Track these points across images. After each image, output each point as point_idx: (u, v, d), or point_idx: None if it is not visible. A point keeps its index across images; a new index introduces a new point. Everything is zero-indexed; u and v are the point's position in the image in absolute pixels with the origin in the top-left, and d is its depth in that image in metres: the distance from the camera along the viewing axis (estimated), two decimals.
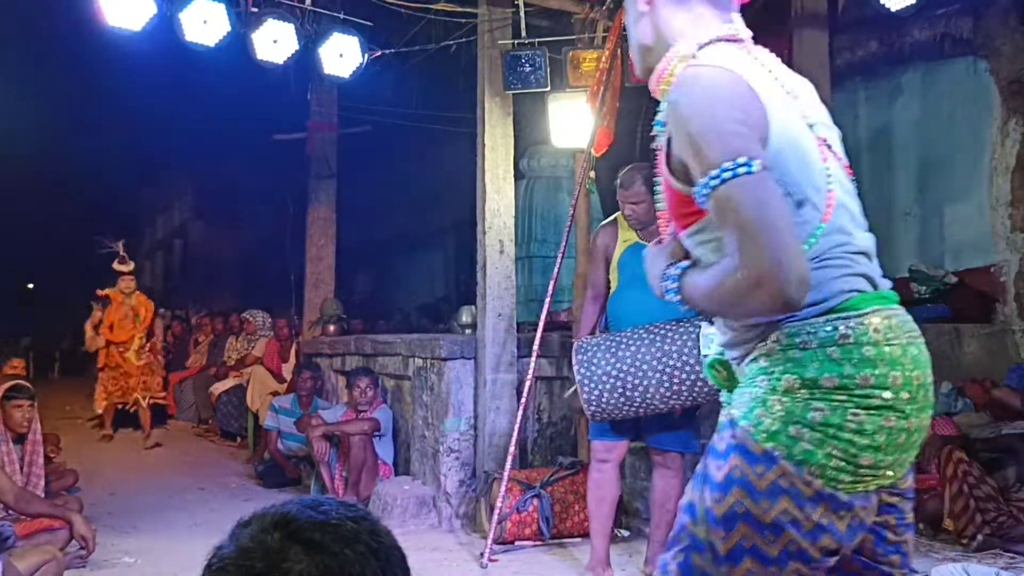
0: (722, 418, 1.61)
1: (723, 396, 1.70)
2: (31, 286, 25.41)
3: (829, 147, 1.60)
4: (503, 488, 4.44)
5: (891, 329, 1.50)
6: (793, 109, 1.56)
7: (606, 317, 4.04)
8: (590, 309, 4.06)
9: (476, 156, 5.24)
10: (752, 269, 1.39)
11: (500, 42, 5.14)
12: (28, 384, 4.71)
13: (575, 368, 3.70)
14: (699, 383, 3.51)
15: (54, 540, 3.91)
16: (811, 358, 1.48)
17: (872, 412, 1.46)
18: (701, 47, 1.60)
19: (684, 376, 3.56)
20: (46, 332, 18.57)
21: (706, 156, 1.44)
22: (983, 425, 4.97)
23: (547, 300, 4.68)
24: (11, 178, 13.99)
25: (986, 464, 4.50)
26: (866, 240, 1.60)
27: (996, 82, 6.17)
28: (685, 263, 1.63)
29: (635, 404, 3.62)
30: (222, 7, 5.04)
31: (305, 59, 5.51)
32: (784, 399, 1.48)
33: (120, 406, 8.67)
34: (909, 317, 1.57)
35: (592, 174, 4.82)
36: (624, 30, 2.53)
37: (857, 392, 1.46)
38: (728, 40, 1.62)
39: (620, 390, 3.59)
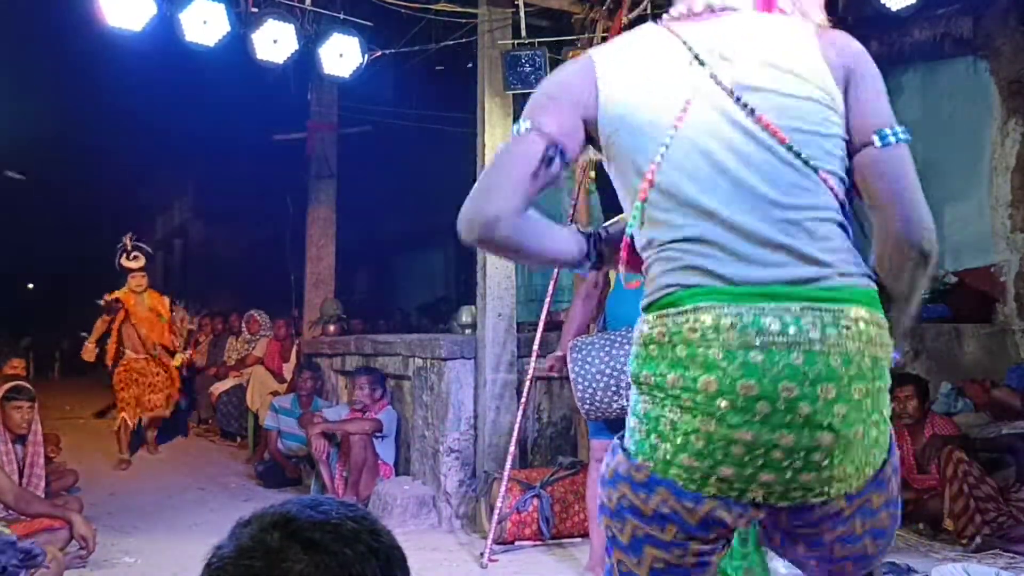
0: None
1: None
2: (31, 286, 25.39)
3: (752, 112, 1.45)
4: (503, 488, 4.44)
5: (718, 330, 1.37)
6: (679, 79, 1.48)
7: (605, 316, 4.04)
8: (581, 307, 4.04)
9: (476, 156, 5.24)
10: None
11: (500, 42, 5.14)
12: (28, 385, 4.69)
13: (570, 367, 3.70)
14: None
15: (54, 540, 3.90)
16: (637, 354, 1.51)
17: (686, 411, 1.41)
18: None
19: None
20: (46, 332, 18.55)
21: None
22: (983, 425, 4.97)
23: (547, 300, 4.69)
24: (11, 178, 13.99)
25: (986, 464, 4.50)
26: (746, 218, 1.41)
27: (996, 82, 6.16)
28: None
29: (629, 403, 3.61)
30: (222, 7, 5.05)
31: (305, 59, 5.52)
32: (629, 392, 1.57)
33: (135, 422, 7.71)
34: (778, 319, 1.36)
35: (592, 174, 4.82)
36: (624, 30, 2.53)
37: (670, 391, 1.43)
38: (675, 19, 1.57)
39: (614, 388, 3.59)
